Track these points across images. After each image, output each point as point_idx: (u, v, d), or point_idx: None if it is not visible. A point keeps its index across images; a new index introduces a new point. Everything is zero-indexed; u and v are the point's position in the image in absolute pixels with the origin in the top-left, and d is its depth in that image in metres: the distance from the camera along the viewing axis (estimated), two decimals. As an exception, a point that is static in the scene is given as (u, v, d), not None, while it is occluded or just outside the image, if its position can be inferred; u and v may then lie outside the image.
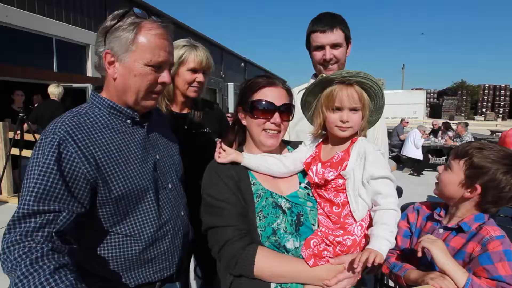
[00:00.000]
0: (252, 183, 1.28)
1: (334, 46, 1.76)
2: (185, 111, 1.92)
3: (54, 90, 6.20)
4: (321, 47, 1.77)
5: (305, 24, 1.89)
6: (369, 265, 1.00)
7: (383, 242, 1.03)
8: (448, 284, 1.11)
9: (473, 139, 9.85)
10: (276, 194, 1.26)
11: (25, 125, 5.35)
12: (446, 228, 1.31)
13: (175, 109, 1.90)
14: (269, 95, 1.26)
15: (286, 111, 1.28)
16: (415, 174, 9.48)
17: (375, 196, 1.12)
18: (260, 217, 1.20)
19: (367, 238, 1.12)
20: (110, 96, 1.23)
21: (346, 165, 1.15)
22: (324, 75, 1.22)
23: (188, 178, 1.79)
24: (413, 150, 9.37)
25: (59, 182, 1.02)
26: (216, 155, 1.30)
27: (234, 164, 1.29)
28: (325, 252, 1.15)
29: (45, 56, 10.27)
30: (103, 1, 12.45)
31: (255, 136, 1.31)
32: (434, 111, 34.18)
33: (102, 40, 1.17)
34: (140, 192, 1.20)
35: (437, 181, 1.38)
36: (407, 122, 11.60)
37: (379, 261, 0.99)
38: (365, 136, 1.25)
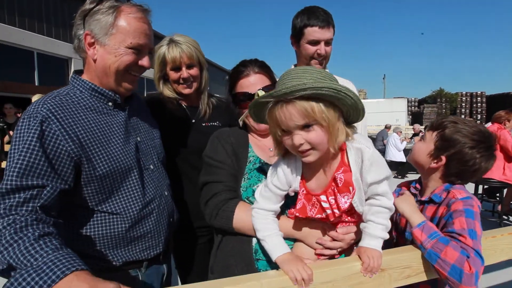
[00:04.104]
0: (248, 151, 1.34)
1: (327, 43, 1.85)
2: (194, 105, 1.94)
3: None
4: (317, 42, 1.84)
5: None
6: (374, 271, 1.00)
7: (378, 240, 1.04)
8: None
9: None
10: (263, 160, 1.31)
11: (6, 137, 5.24)
12: (421, 202, 1.37)
13: (186, 103, 1.92)
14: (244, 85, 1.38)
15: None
16: (399, 176, 9.67)
17: (372, 194, 1.05)
18: (244, 178, 1.26)
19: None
20: (91, 78, 1.26)
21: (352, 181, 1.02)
22: (259, 93, 1.18)
23: (192, 169, 1.80)
24: (395, 153, 9.60)
25: (42, 158, 1.03)
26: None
27: (235, 131, 1.40)
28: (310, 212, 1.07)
29: (26, 70, 10.11)
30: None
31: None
32: (415, 118, 35.02)
33: (81, 23, 1.21)
34: (124, 170, 1.22)
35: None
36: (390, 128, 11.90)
37: (378, 262, 1.00)
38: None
